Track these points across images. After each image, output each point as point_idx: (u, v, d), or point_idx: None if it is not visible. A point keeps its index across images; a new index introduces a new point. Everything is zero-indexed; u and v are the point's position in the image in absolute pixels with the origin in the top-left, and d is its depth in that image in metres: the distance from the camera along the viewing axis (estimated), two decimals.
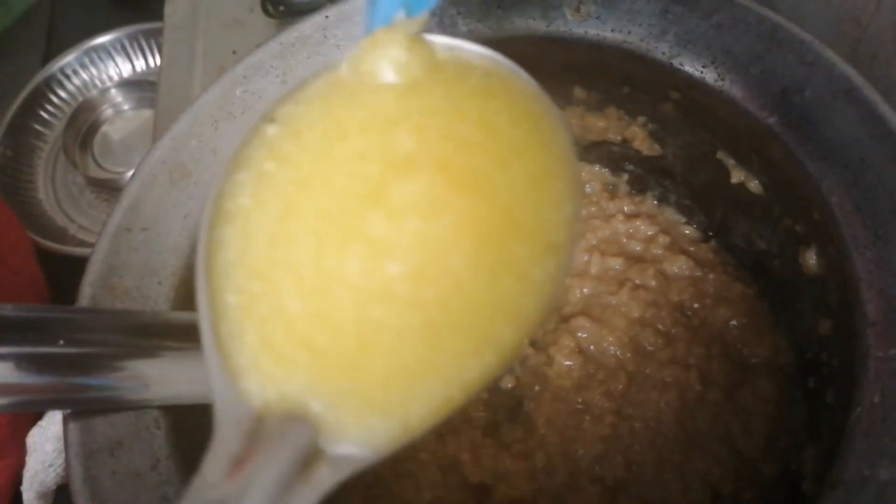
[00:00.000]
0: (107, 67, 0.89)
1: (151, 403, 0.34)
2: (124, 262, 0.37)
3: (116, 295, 0.36)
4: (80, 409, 0.33)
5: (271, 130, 0.22)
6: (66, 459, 0.33)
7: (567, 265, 0.22)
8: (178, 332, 0.35)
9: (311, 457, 0.20)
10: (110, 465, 0.33)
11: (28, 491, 0.44)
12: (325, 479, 0.20)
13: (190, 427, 0.35)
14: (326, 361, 0.21)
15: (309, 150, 0.22)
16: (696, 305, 0.47)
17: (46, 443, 0.56)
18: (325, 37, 0.41)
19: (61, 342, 0.31)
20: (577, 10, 0.39)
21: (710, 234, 0.50)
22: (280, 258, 0.21)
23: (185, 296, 0.37)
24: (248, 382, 0.21)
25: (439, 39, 0.24)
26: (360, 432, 0.20)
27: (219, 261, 0.21)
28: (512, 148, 0.23)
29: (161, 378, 0.34)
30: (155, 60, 0.89)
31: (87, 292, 0.36)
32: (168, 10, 0.74)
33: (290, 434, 0.20)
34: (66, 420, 0.33)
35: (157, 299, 0.37)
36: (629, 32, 0.39)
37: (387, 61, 0.23)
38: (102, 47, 0.89)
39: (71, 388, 0.32)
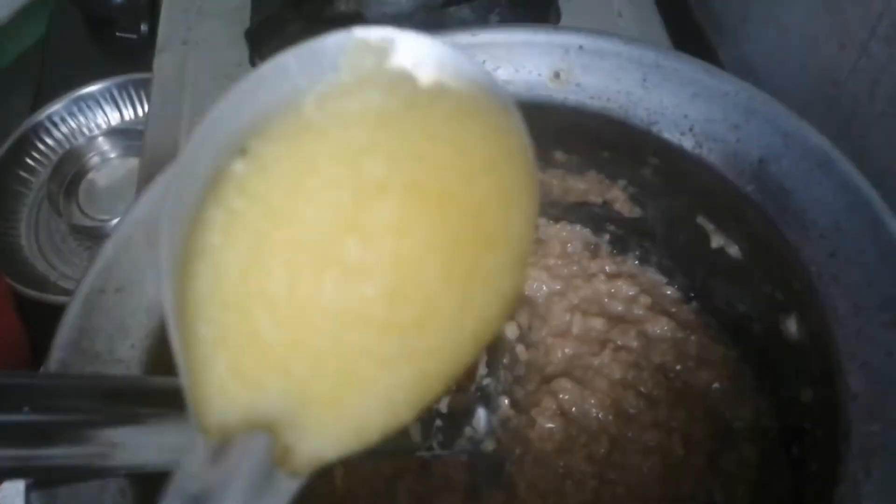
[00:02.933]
0: (95, 115, 0.90)
1: (118, 472, 0.33)
2: (97, 325, 0.36)
3: (87, 359, 0.35)
4: (43, 478, 0.32)
5: (239, 168, 0.22)
6: None
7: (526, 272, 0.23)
8: (150, 398, 0.34)
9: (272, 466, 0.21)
10: None
11: None
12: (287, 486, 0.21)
13: (157, 496, 0.34)
14: (304, 387, 0.21)
15: (278, 185, 0.22)
16: (678, 367, 0.47)
17: (17, 497, 0.54)
18: None
19: (26, 409, 0.30)
20: (557, 76, 0.40)
21: (692, 295, 0.50)
22: (253, 289, 0.21)
23: (159, 359, 0.37)
24: (210, 411, 0.21)
25: (422, 47, 0.23)
26: (323, 447, 0.22)
27: (191, 295, 0.21)
28: (482, 164, 0.23)
29: (130, 445, 0.33)
30: (144, 109, 0.90)
31: (56, 356, 0.35)
32: (157, 62, 0.74)
33: (253, 446, 0.21)
34: (28, 490, 0.32)
35: (129, 363, 0.36)
36: (608, 99, 0.39)
37: (359, 104, 0.22)
38: (91, 96, 0.89)
39: (34, 457, 0.31)
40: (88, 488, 0.33)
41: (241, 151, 0.22)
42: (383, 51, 0.22)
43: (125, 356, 0.36)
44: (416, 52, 0.23)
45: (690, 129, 0.38)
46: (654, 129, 0.39)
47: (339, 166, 0.21)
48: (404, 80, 0.23)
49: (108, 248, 0.38)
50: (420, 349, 0.22)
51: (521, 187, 0.24)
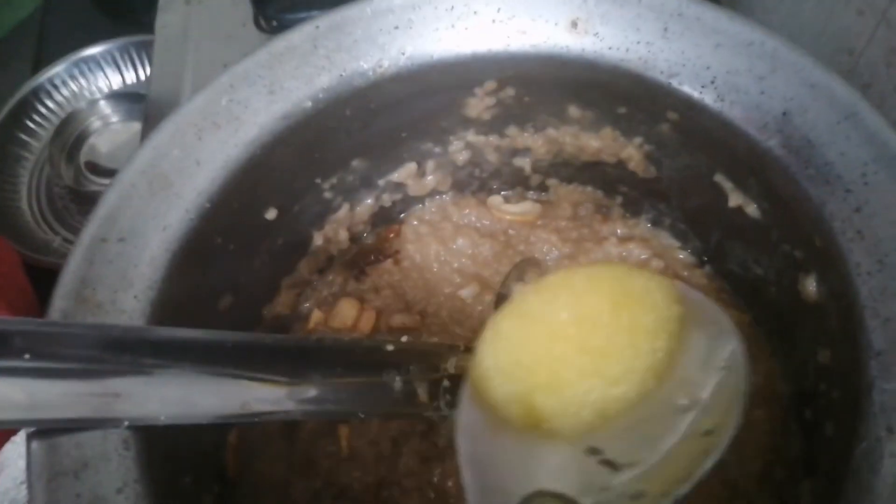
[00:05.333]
0: (96, 79, 0.88)
1: (121, 423, 0.32)
2: (98, 275, 0.35)
3: (89, 308, 0.34)
4: (45, 427, 0.32)
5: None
6: (28, 481, 0.31)
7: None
8: (153, 349, 0.33)
9: None
10: (75, 488, 0.31)
11: None
12: None
13: (161, 449, 0.34)
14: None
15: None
16: None
17: (19, 459, 0.54)
18: (315, 47, 0.40)
19: (27, 356, 0.30)
20: (575, 25, 0.38)
21: (705, 259, 0.49)
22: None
23: (163, 311, 0.36)
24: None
25: None
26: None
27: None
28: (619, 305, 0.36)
29: (133, 396, 0.32)
30: (146, 73, 0.88)
31: (58, 305, 0.34)
32: (159, 23, 0.73)
33: None
34: (29, 439, 0.32)
35: (132, 314, 0.35)
36: (627, 50, 0.38)
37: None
38: (93, 58, 0.87)
39: (35, 405, 0.30)
40: (90, 438, 0.32)
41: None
42: None
43: (128, 307, 0.35)
44: None
45: (712, 82, 0.37)
46: (675, 81, 0.37)
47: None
48: None
49: (111, 197, 0.37)
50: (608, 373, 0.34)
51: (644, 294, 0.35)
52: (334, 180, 0.46)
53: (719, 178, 0.41)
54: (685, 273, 0.48)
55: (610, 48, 0.38)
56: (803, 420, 0.41)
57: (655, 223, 0.50)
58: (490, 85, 0.42)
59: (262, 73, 0.39)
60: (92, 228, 0.36)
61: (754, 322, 0.46)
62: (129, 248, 0.36)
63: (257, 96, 0.39)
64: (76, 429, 0.32)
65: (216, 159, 0.38)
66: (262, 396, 0.35)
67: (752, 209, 0.40)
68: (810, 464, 0.41)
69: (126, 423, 0.32)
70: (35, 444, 0.31)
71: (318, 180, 0.45)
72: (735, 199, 0.41)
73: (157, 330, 0.35)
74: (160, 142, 0.38)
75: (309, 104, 0.40)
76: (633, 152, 0.45)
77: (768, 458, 0.42)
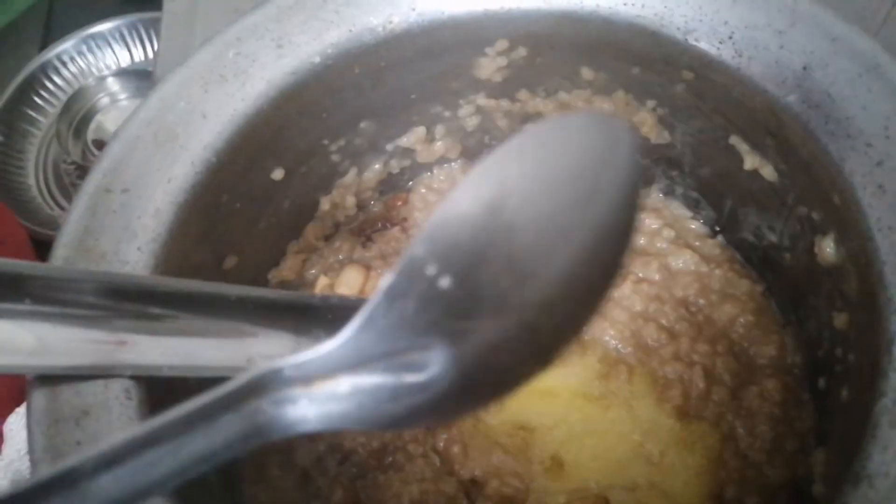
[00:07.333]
0: (104, 56, 0.88)
1: (124, 372, 0.32)
2: (102, 224, 0.35)
3: (92, 258, 0.34)
4: (50, 373, 0.31)
5: None
6: (28, 427, 0.31)
7: None
8: (158, 298, 0.33)
9: None
10: (75, 436, 0.30)
11: (2, 479, 0.42)
12: None
13: (164, 399, 0.33)
14: None
15: None
16: (701, 301, 0.45)
17: (23, 430, 0.53)
18: (325, 1, 0.39)
19: (27, 300, 0.29)
20: None
21: (717, 229, 0.48)
22: None
23: (166, 265, 0.35)
24: None
25: None
26: None
27: None
28: None
29: (137, 345, 0.32)
30: (154, 49, 0.88)
31: (60, 253, 0.34)
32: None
33: None
34: (29, 386, 0.31)
35: (135, 265, 0.35)
36: (643, 6, 0.37)
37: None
38: (101, 35, 0.87)
39: (41, 350, 0.30)
40: (92, 387, 0.31)
41: None
42: None
43: (131, 258, 0.35)
44: None
45: (730, 37, 0.36)
46: (691, 38, 0.37)
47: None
48: None
49: (115, 148, 0.36)
50: None
51: None
52: (342, 142, 0.45)
53: (735, 140, 0.40)
54: (697, 243, 0.47)
55: (625, 4, 0.37)
56: (816, 390, 0.41)
57: (667, 193, 0.49)
58: (501, 44, 0.42)
59: (271, 26, 0.39)
60: (96, 178, 0.35)
61: (767, 292, 0.45)
62: (133, 199, 0.35)
63: (265, 50, 0.38)
64: (77, 377, 0.31)
65: (222, 113, 0.38)
66: (267, 352, 0.35)
67: (768, 171, 0.39)
68: (822, 434, 0.40)
69: (129, 373, 0.32)
70: (35, 392, 0.31)
71: (326, 141, 0.44)
72: (751, 161, 0.40)
73: (162, 280, 0.35)
74: (166, 94, 0.37)
75: (317, 59, 0.39)
76: (646, 116, 0.44)
77: (780, 430, 0.41)
